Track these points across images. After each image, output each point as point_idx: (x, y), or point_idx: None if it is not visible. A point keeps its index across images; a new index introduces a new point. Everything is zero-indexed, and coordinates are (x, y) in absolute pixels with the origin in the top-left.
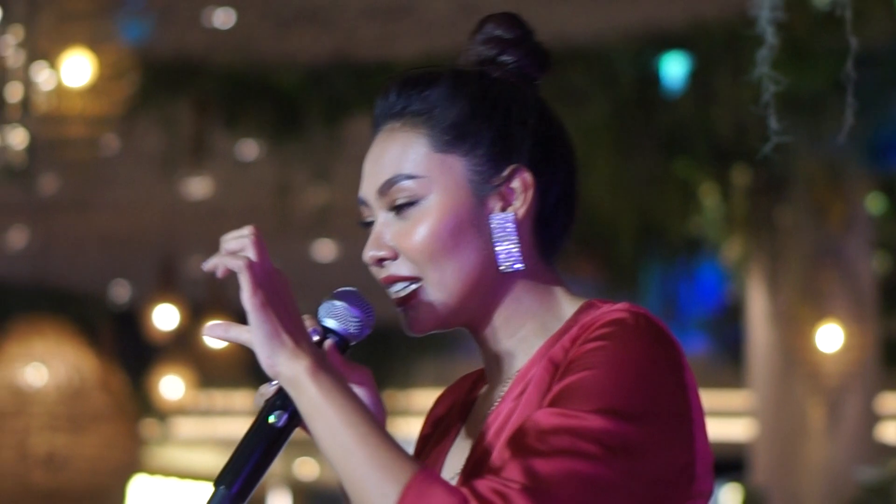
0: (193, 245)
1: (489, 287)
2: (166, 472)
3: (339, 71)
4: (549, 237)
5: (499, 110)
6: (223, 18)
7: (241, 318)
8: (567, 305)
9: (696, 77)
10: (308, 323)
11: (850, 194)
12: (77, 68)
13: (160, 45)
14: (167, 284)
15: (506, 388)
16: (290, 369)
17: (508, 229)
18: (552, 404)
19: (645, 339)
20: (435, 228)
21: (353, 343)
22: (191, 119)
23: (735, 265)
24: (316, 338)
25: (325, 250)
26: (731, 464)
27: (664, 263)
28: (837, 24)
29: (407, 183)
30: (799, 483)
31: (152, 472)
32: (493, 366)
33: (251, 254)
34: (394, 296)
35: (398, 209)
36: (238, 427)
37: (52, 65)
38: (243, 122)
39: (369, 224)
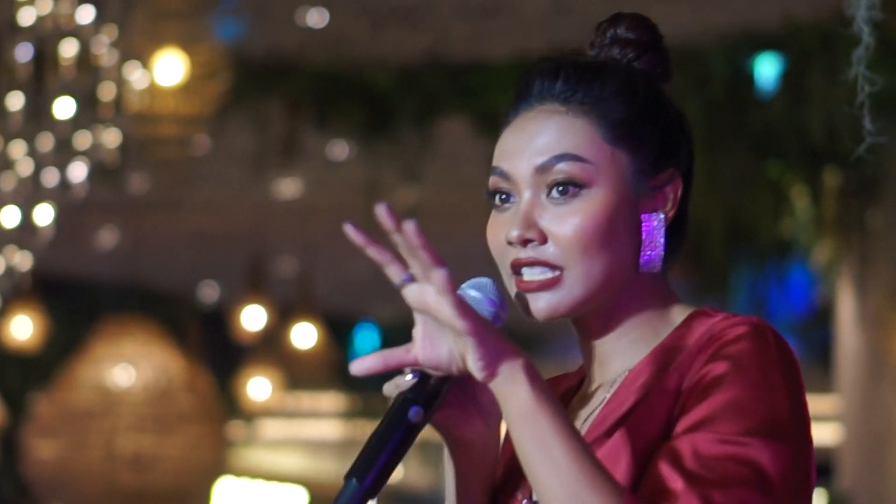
0: (283, 245)
1: (621, 285)
2: (252, 474)
3: (431, 71)
4: (672, 246)
5: (664, 113)
6: (316, 18)
7: (328, 320)
8: (678, 313)
9: (789, 78)
10: None
11: None
12: (170, 67)
13: (253, 44)
14: (256, 285)
15: (613, 389)
16: (509, 366)
17: (660, 231)
18: (701, 426)
19: (778, 355)
20: (596, 221)
21: None
22: (282, 118)
23: (825, 268)
24: None
25: None
26: (817, 468)
27: (754, 266)
28: None
29: (573, 165)
30: (886, 488)
31: (238, 473)
32: (594, 363)
33: (441, 280)
34: (527, 278)
35: (558, 192)
36: (324, 429)
37: (145, 64)
38: (334, 122)
39: (502, 199)
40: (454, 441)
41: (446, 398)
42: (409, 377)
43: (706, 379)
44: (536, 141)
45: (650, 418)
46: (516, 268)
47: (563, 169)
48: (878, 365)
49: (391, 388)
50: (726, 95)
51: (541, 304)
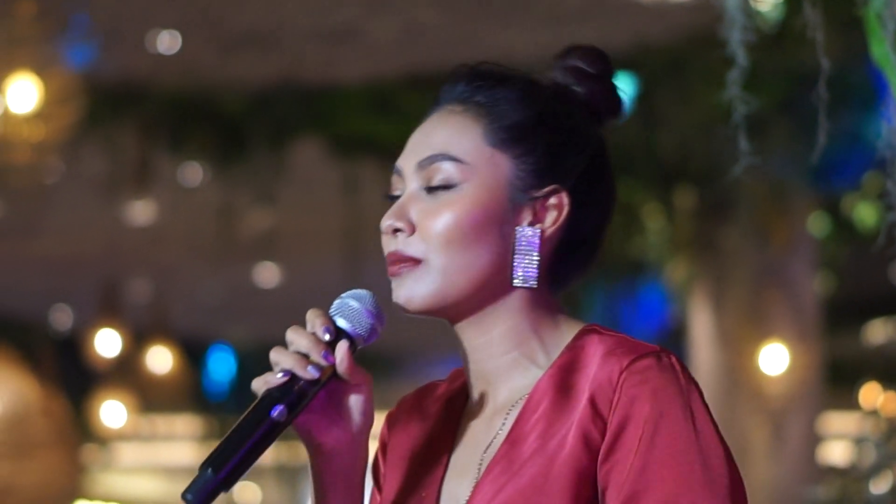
0: (136, 270)
1: (492, 294)
2: (107, 499)
3: (285, 94)
4: (565, 268)
5: (560, 129)
6: (168, 42)
7: (183, 343)
8: (567, 330)
9: (641, 99)
10: (320, 321)
11: (794, 215)
12: (23, 94)
13: (105, 69)
14: (109, 310)
15: (513, 415)
16: None
17: (532, 245)
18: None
19: (695, 394)
20: (460, 218)
21: (359, 347)
22: (135, 143)
23: (678, 286)
24: (327, 337)
25: (268, 274)
26: None
27: (607, 285)
28: (783, 46)
29: (448, 164)
30: None
31: (93, 498)
32: (484, 382)
33: None
34: (392, 268)
35: (432, 188)
36: (180, 453)
37: None
38: (187, 146)
39: (395, 197)
40: (315, 448)
41: (312, 403)
42: (279, 375)
43: (631, 428)
44: (424, 137)
45: (571, 451)
46: (388, 259)
47: (438, 167)
48: (733, 382)
49: (259, 384)
50: None
51: (401, 292)
